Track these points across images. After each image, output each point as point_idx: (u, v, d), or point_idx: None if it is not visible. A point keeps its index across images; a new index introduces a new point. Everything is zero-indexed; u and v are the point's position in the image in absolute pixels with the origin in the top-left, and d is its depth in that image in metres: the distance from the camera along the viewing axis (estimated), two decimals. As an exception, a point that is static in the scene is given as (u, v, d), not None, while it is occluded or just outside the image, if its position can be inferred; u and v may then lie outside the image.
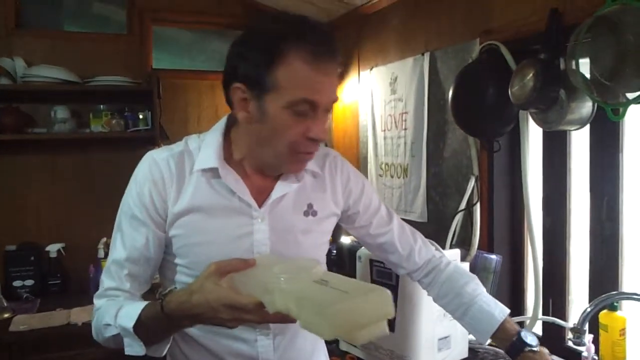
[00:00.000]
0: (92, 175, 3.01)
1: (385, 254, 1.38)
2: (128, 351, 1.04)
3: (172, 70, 3.34)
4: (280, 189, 1.17)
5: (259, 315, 0.89)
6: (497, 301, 1.32)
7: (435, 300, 1.40)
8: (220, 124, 1.17)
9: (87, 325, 2.30)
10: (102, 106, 2.92)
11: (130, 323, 1.01)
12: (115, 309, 1.06)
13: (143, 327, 1.01)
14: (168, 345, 1.07)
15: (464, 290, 1.32)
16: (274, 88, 1.01)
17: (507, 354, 1.27)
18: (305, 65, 1.00)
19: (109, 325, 1.06)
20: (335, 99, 1.07)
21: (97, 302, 1.14)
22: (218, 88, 3.61)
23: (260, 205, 1.15)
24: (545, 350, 1.24)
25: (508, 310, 1.30)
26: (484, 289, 1.34)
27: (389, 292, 0.83)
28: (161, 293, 1.01)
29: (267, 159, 1.12)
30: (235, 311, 0.90)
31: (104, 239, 2.91)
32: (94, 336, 1.14)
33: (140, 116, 2.90)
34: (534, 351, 1.21)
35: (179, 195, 1.11)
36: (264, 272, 0.92)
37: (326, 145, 1.30)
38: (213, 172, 1.12)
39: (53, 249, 2.84)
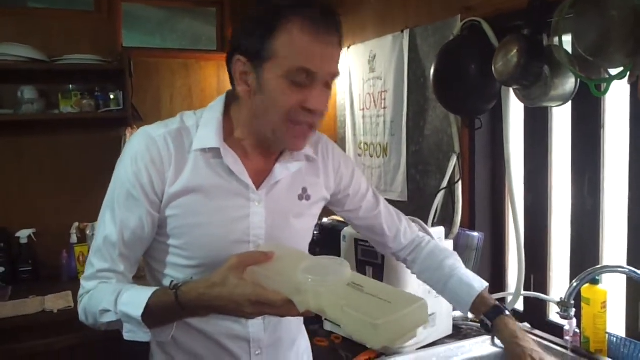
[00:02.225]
0: (62, 157, 2.90)
1: (373, 235, 1.42)
2: (128, 337, 1.02)
3: (143, 48, 3.24)
4: (280, 171, 1.15)
5: (286, 311, 0.91)
6: (476, 275, 1.36)
7: (418, 276, 1.44)
8: (219, 102, 1.14)
9: (63, 312, 2.29)
10: (71, 86, 2.81)
11: (137, 311, 0.98)
12: (114, 295, 1.03)
13: (151, 315, 0.98)
14: (172, 330, 1.05)
15: (444, 264, 1.37)
16: (272, 57, 1.01)
17: (485, 317, 1.28)
18: (304, 34, 0.99)
19: (108, 311, 1.03)
20: (335, 73, 1.05)
21: (87, 284, 1.10)
22: (191, 67, 3.53)
23: (257, 187, 1.13)
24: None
25: (486, 284, 1.34)
26: (463, 265, 1.39)
27: (426, 301, 0.86)
28: (173, 283, 0.98)
29: (266, 132, 1.08)
30: (261, 306, 0.91)
31: (76, 224, 2.83)
32: (81, 319, 1.11)
33: (112, 96, 2.80)
34: (512, 318, 1.26)
35: (177, 175, 1.07)
36: (289, 268, 0.91)
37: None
38: (213, 152, 1.09)
39: (23, 234, 2.73)
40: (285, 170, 1.16)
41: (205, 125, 1.10)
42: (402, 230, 1.41)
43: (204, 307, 0.96)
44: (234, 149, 1.11)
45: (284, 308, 0.90)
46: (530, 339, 1.25)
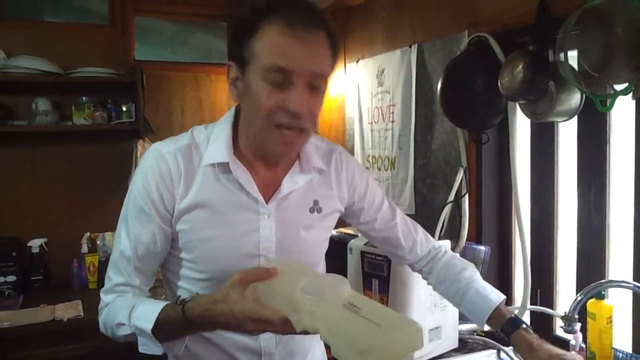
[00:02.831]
0: (74, 168, 2.96)
1: (389, 247, 1.40)
2: (143, 350, 1.05)
3: (155, 62, 3.31)
4: (288, 185, 1.15)
5: (284, 329, 0.91)
6: (493, 287, 1.35)
7: (434, 287, 1.42)
8: (229, 115, 1.15)
9: (73, 321, 2.32)
10: (84, 98, 2.87)
11: (148, 325, 1.00)
12: (128, 309, 1.05)
13: (161, 330, 1.01)
14: (184, 344, 1.07)
15: (461, 276, 1.35)
16: (252, 58, 1.00)
17: (501, 331, 1.28)
18: (280, 33, 0.98)
19: (123, 324, 1.06)
20: (317, 72, 1.01)
21: (105, 297, 1.13)
22: (202, 80, 3.58)
23: (267, 200, 1.13)
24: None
25: (503, 296, 1.32)
26: (480, 276, 1.37)
27: (420, 326, 0.85)
28: (180, 298, 1.00)
29: (255, 138, 1.08)
30: (260, 323, 0.91)
31: (87, 234, 2.88)
32: (101, 330, 1.14)
33: (124, 108, 2.86)
34: (528, 331, 1.23)
35: (186, 190, 1.09)
36: (288, 286, 0.92)
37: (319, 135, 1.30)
38: (222, 167, 1.10)
39: (35, 244, 2.79)
40: (293, 184, 1.15)
41: (215, 140, 1.11)
42: (419, 241, 1.39)
43: (209, 322, 0.97)
44: (242, 162, 1.11)
45: (282, 326, 0.90)
46: (547, 347, 1.20)
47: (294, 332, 0.90)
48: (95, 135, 2.95)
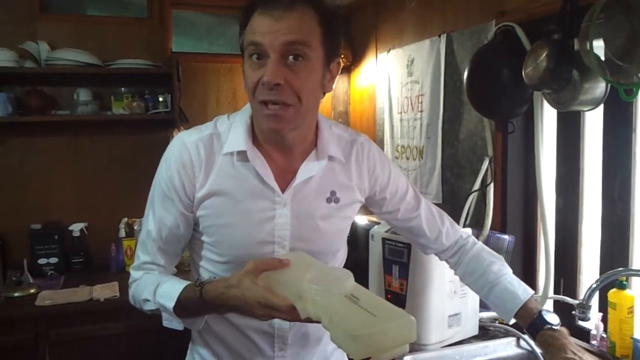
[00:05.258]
0: (113, 156, 3.08)
1: (414, 236, 1.41)
2: (166, 324, 1.14)
3: (192, 53, 3.38)
4: (303, 172, 1.16)
5: (290, 316, 0.96)
6: (521, 281, 1.34)
7: (461, 279, 1.42)
8: (249, 105, 1.17)
9: (110, 302, 2.44)
10: (123, 89, 2.98)
11: (170, 303, 1.09)
12: (154, 286, 1.14)
13: (181, 307, 1.09)
14: (203, 321, 1.16)
15: (489, 270, 1.35)
16: (244, 46, 1.07)
17: (527, 332, 1.30)
18: (258, 15, 1.04)
19: (148, 300, 1.14)
20: (290, 40, 1.02)
21: (134, 273, 1.22)
22: (236, 71, 3.63)
23: (283, 189, 1.16)
24: (565, 330, 1.26)
25: (532, 291, 1.32)
26: (510, 270, 1.37)
27: (413, 319, 0.88)
28: (199, 280, 1.07)
29: (254, 120, 1.14)
30: (269, 309, 0.97)
31: (125, 219, 2.99)
32: (131, 302, 1.23)
33: (160, 99, 2.94)
34: (553, 329, 1.24)
35: (206, 178, 1.14)
36: (297, 277, 0.97)
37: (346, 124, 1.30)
38: (240, 155, 1.13)
39: (76, 228, 2.93)
40: (308, 171, 1.17)
41: (235, 129, 1.16)
42: (444, 231, 1.38)
43: (223, 305, 1.03)
44: (260, 151, 1.15)
45: (289, 313, 0.95)
46: (566, 349, 1.20)
47: (299, 320, 0.95)
48: (133, 125, 3.05)
